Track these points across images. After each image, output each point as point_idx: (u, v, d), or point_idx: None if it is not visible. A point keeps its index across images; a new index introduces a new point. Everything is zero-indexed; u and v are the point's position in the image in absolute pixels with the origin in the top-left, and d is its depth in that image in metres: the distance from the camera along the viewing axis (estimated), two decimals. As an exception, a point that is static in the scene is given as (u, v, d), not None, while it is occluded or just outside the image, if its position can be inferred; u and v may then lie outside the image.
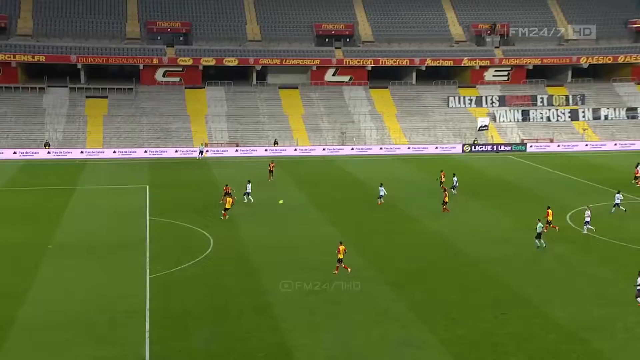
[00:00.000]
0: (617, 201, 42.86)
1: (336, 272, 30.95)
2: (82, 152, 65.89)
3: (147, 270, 31.62)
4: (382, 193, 44.98)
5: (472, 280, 30.82)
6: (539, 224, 35.24)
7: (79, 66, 75.50)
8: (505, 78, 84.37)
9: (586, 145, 74.34)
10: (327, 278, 30.75)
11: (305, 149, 70.09)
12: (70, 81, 75.01)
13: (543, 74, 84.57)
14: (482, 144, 73.10)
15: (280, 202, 41.30)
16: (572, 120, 79.19)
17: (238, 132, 72.65)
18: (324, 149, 70.32)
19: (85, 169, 59.41)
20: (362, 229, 39.45)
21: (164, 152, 67.11)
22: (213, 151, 68.51)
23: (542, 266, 33.01)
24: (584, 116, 79.44)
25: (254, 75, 79.80)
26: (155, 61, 77.00)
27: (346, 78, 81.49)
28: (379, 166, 62.80)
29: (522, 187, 52.89)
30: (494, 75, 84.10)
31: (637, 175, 53.24)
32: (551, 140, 75.41)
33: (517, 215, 42.89)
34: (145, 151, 67.03)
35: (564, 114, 79.45)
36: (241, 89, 78.89)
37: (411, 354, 23.36)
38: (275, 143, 70.69)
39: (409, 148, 71.45)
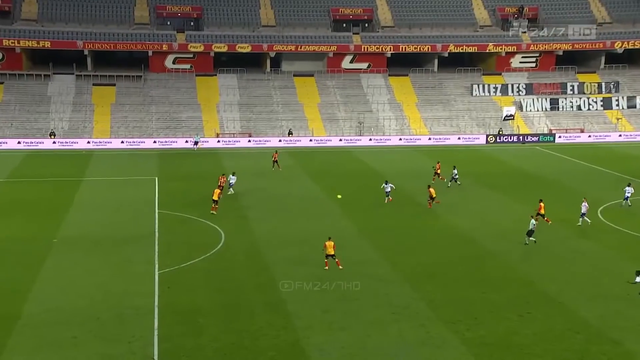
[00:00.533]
0: (627, 194, 42.38)
1: (326, 267, 31.09)
2: (88, 142, 66.52)
3: (156, 266, 31.94)
4: (388, 189, 44.04)
5: (494, 277, 30.77)
6: (532, 221, 34.95)
7: (86, 52, 76.12)
8: (533, 65, 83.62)
9: (620, 135, 73.59)
10: (342, 274, 30.87)
11: (321, 140, 70.13)
12: (76, 68, 75.70)
13: (574, 60, 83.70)
14: (508, 135, 72.64)
15: (339, 196, 41.50)
16: (604, 109, 78.35)
17: (251, 122, 72.87)
18: (340, 140, 70.32)
19: (92, 160, 59.97)
20: (379, 223, 39.49)
21: (173, 142, 67.53)
22: (225, 141, 68.83)
23: (568, 263, 32.85)
24: (617, 105, 78.55)
25: (268, 62, 79.88)
26: (164, 47, 77.37)
27: (364, 65, 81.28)
28: (397, 158, 62.70)
29: (550, 180, 52.55)
30: (520, 62, 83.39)
31: None
32: (582, 131, 74.71)
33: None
34: (155, 141, 67.50)
35: (595, 102, 78.63)
36: (254, 77, 79.05)
37: (430, 354, 23.41)
38: (290, 133, 70.81)
39: (429, 139, 71.20)
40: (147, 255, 33.41)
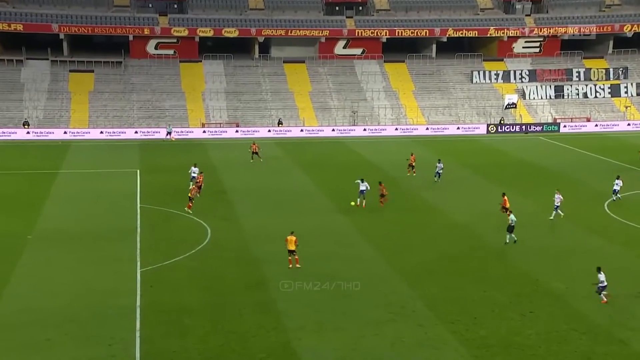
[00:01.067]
0: (616, 187, 42.31)
1: (290, 265, 30.93)
2: (65, 133, 66.14)
3: (138, 263, 31.78)
4: (362, 188, 40.75)
5: (495, 275, 30.81)
6: (511, 216, 34.46)
7: (62, 36, 75.51)
8: (537, 50, 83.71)
9: (628, 124, 73.86)
10: (336, 272, 30.82)
11: (313, 130, 70.00)
12: (51, 53, 75.10)
13: (580, 44, 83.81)
14: (510, 124, 72.77)
15: (353, 204, 40.72)
16: (612, 96, 78.59)
17: (238, 111, 72.63)
18: (333, 130, 70.21)
19: (69, 151, 59.63)
20: (374, 218, 39.46)
21: (156, 132, 67.23)
22: (211, 132, 68.59)
23: (574, 259, 32.93)
24: (626, 92, 78.82)
25: (256, 47, 79.58)
26: (146, 31, 76.88)
27: (358, 51, 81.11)
28: (393, 149, 62.65)
29: (554, 171, 52.69)
30: (523, 47, 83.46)
31: None
32: (588, 120, 74.93)
33: (546, 203, 42.70)
34: (136, 132, 67.19)
35: (603, 89, 78.85)
36: (242, 63, 78.75)
37: (429, 356, 23.41)
38: (280, 123, 70.64)
39: (427, 129, 71.23)
40: (129, 252, 33.25)
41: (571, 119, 74.89)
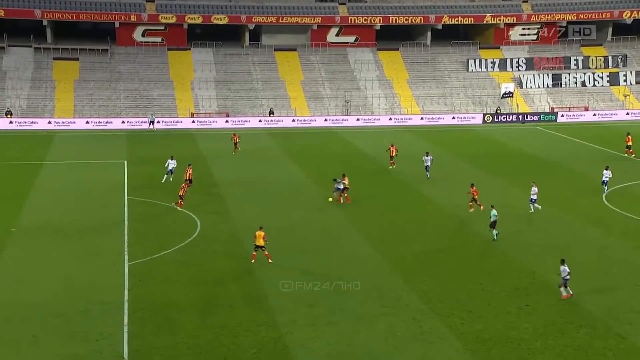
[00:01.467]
0: (605, 179, 42.28)
1: (253, 260, 30.74)
2: (49, 123, 65.79)
3: (126, 257, 31.72)
4: (340, 187, 39.77)
5: (491, 268, 30.93)
6: (493, 211, 34.07)
7: (45, 23, 75.00)
8: (534, 37, 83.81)
9: (627, 113, 74.11)
10: (329, 265, 30.88)
11: (305, 120, 69.93)
12: (34, 40, 74.59)
13: (578, 31, 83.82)
14: (506, 114, 72.91)
15: (330, 200, 40.37)
16: (611, 85, 78.83)
17: (228, 101, 72.43)
18: (325, 120, 70.17)
19: (53, 142, 59.38)
20: (368, 210, 39.52)
21: (143, 122, 66.95)
22: (200, 122, 68.38)
23: (572, 251, 33.01)
24: (625, 80, 79.04)
25: (247, 35, 79.30)
26: (133, 18, 76.45)
27: (351, 39, 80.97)
28: (387, 139, 62.53)
29: (551, 162, 52.86)
30: (520, 35, 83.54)
31: (628, 144, 54.12)
32: (586, 109, 75.17)
33: (543, 194, 42.82)
34: (123, 121, 66.95)
35: (601, 78, 79.08)
36: (232, 51, 78.48)
37: (423, 350, 23.50)
38: (271, 113, 70.52)
39: (422, 118, 71.29)
40: (116, 245, 33.17)
41: (569, 108, 75.10)
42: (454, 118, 71.67)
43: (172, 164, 44.73)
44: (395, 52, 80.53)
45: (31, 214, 38.34)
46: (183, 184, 39.91)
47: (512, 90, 75.34)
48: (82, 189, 43.76)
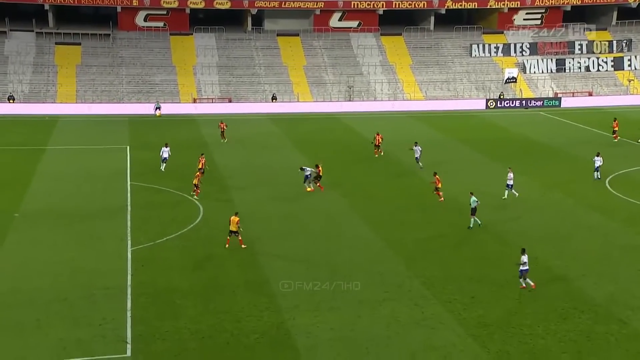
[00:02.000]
0: (597, 164, 42.13)
1: (227, 245, 30.82)
2: (52, 107, 65.64)
3: (129, 242, 31.80)
4: (307, 174, 39.50)
5: (493, 253, 30.97)
6: (473, 198, 33.58)
7: (47, 7, 74.64)
8: (538, 22, 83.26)
9: (631, 99, 73.66)
10: (332, 250, 30.93)
11: (307, 105, 69.72)
12: (36, 24, 74.29)
13: (583, 15, 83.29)
14: (509, 99, 72.63)
15: (308, 190, 40.02)
16: (615, 70, 78.41)
17: (231, 86, 72.23)
18: (328, 105, 69.95)
19: (56, 127, 59.31)
20: (370, 196, 39.50)
21: (146, 107, 66.78)
22: (202, 107, 68.20)
23: (574, 237, 33.09)
24: (629, 65, 78.60)
25: (249, 20, 78.92)
26: (135, 2, 76.03)
27: (354, 24, 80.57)
28: (390, 125, 62.50)
29: (554, 147, 52.73)
30: (524, 19, 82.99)
31: (615, 129, 54.33)
32: (590, 94, 74.86)
33: (545, 180, 42.87)
34: (125, 107, 66.74)
35: (606, 62, 78.65)
36: (234, 36, 78.14)
37: (425, 335, 23.58)
38: (273, 98, 70.35)
39: (424, 104, 71.02)
40: (119, 231, 33.24)
41: (572, 93, 74.79)
42: (457, 103, 71.42)
43: (166, 151, 44.41)
44: (398, 37, 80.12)
45: (34, 199, 38.40)
46: (197, 173, 39.49)
47: (515, 76, 75.00)
48: (85, 174, 43.79)
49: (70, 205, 37.24)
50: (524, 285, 26.90)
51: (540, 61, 78.09)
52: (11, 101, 66.18)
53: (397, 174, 44.34)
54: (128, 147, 51.29)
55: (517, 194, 38.25)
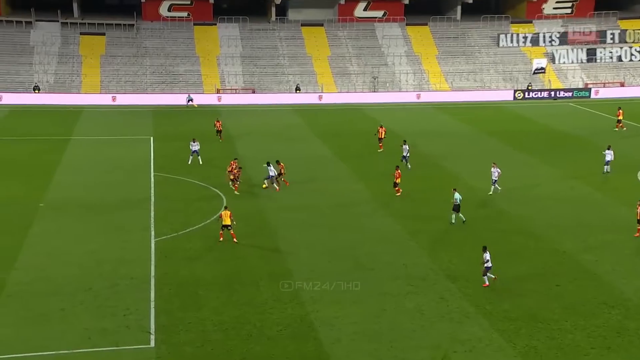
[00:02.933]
0: (608, 158, 41.46)
1: (221, 239, 30.79)
2: (76, 98, 66.29)
3: (152, 233, 32.07)
4: (271, 174, 38.39)
5: (520, 246, 30.73)
6: (456, 194, 33.16)
7: (72, -3, 75.38)
8: (569, 10, 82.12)
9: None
10: (355, 242, 30.93)
11: (331, 96, 69.61)
12: (61, 15, 74.99)
13: (616, 3, 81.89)
14: (538, 90, 71.84)
15: (264, 186, 39.06)
16: (648, 59, 77.14)
17: (254, 77, 72.35)
18: (352, 96, 69.77)
19: (81, 117, 59.89)
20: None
21: (170, 98, 67.17)
22: (226, 98, 68.37)
23: (605, 231, 32.65)
24: (664, 55, 77.30)
25: (273, 10, 78.88)
26: (158, -7, 76.49)
27: (379, 13, 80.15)
28: (415, 116, 62.28)
29: (583, 139, 52.13)
30: (554, 8, 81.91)
31: (619, 118, 54.18)
32: (622, 84, 73.77)
33: (573, 172, 42.39)
34: (149, 97, 67.18)
35: (638, 52, 77.33)
36: (258, 26, 78.17)
37: (450, 329, 23.49)
38: (297, 89, 70.33)
39: (450, 95, 70.53)
40: (142, 221, 33.53)
41: (604, 84, 73.75)
42: (483, 94, 70.78)
43: (194, 145, 44.62)
44: (424, 27, 79.57)
45: (58, 189, 38.85)
46: (232, 169, 38.76)
47: (544, 66, 74.12)
48: (109, 165, 44.18)
49: (95, 196, 37.62)
50: (487, 283, 26.47)
51: (570, 51, 77.05)
52: (36, 91, 66.96)
53: (419, 165, 44.09)
54: (152, 138, 51.64)
55: (499, 189, 37.66)
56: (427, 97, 70.25)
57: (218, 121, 51.62)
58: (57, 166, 43.58)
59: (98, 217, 34.25)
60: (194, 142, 44.61)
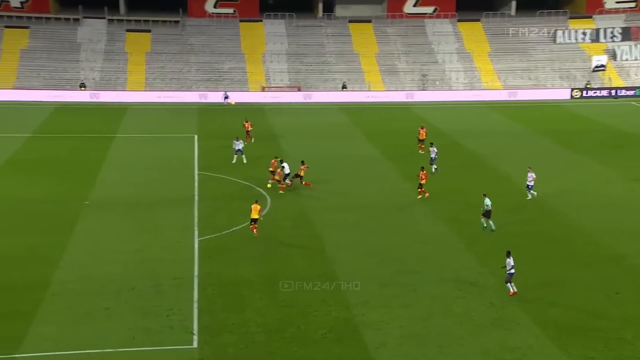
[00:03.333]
0: None
1: (255, 232, 31.25)
2: (121, 95, 67.53)
3: (196, 232, 32.46)
4: (287, 171, 38.48)
5: (577, 251, 30.15)
6: (486, 200, 32.33)
7: (118, -6, 76.88)
8: (633, 4, 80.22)
9: None
10: (401, 244, 30.80)
11: (379, 95, 69.43)
12: (108, 12, 76.53)
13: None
14: (597, 88, 70.47)
15: (269, 185, 38.75)
16: None
17: (300, 74, 72.61)
18: (400, 95, 69.46)
19: (126, 115, 60.99)
20: (444, 188, 38.97)
21: (215, 96, 67.89)
22: (271, 96, 68.82)
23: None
24: None
25: (320, 6, 79.05)
26: (204, -11, 77.43)
27: (430, 9, 79.61)
28: (465, 116, 61.66)
29: (645, 141, 50.90)
30: (617, 2, 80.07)
31: None
32: (687, 83, 71.82)
33: (633, 173, 41.35)
34: (194, 95, 68.06)
35: None
36: (305, 23, 78.46)
37: (500, 336, 23.19)
38: (344, 87, 70.35)
39: (503, 94, 69.66)
40: (186, 220, 33.97)
41: (669, 82, 71.92)
42: (538, 93, 69.78)
43: (238, 144, 44.93)
44: (476, 23, 78.70)
45: (103, 187, 39.63)
46: (272, 176, 38.89)
47: (604, 63, 72.65)
48: (153, 162, 44.88)
49: (139, 194, 38.26)
50: (512, 290, 25.85)
51: (633, 47, 75.26)
52: (82, 88, 68.49)
53: (469, 165, 43.65)
54: (196, 137, 52.27)
55: (535, 194, 36.85)
56: (478, 95, 69.51)
57: (247, 121, 50.82)
58: (102, 164, 44.46)
59: (142, 216, 34.84)
60: (237, 141, 45.01)
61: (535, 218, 34.41)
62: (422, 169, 37.69)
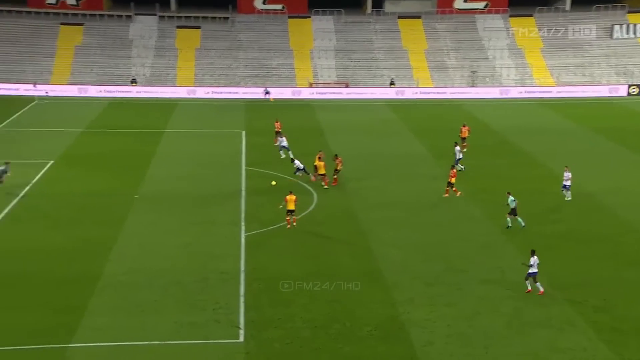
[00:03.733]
0: None
1: (289, 225, 31.50)
2: (171, 91, 68.55)
3: (242, 227, 32.82)
4: (300, 167, 39.45)
5: (631, 252, 29.53)
6: (510, 197, 31.77)
7: (170, -9, 78.05)
8: (697, -3, 77.88)
9: None
10: (447, 242, 30.62)
11: (428, 91, 68.99)
12: (159, 8, 77.78)
13: None
14: (656, 85, 68.74)
15: (274, 183, 39.15)
16: None
17: (348, 70, 72.62)
18: (449, 92, 68.89)
19: (175, 110, 61.90)
20: (493, 187, 38.51)
21: (258, 92, 68.30)
22: (319, 93, 68.99)
23: None
24: None
25: (369, 2, 78.87)
26: (254, -14, 77.99)
27: (481, 5, 78.67)
28: (516, 113, 60.80)
29: None
30: (681, -6, 77.83)
31: None
32: None
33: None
34: (242, 91, 68.68)
35: None
36: (353, 19, 78.41)
37: (550, 337, 22.88)
38: (392, 84, 70.12)
39: (555, 90, 68.44)
40: (233, 216, 34.36)
41: None
42: (593, 90, 68.40)
43: (282, 141, 44.96)
44: (529, 18, 77.45)
45: (152, 181, 40.35)
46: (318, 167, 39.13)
47: (663, 59, 70.76)
48: (201, 158, 45.47)
49: (187, 189, 38.83)
50: (530, 288, 25.51)
51: (694, 43, 73.17)
52: (134, 84, 69.78)
53: (518, 163, 43.06)
54: (244, 132, 52.77)
55: (569, 197, 35.98)
56: (529, 92, 68.54)
57: (277, 122, 49.60)
58: (152, 158, 45.25)
59: (190, 210, 35.35)
60: (281, 137, 45.24)
61: (584, 217, 33.72)
62: (452, 167, 37.49)
